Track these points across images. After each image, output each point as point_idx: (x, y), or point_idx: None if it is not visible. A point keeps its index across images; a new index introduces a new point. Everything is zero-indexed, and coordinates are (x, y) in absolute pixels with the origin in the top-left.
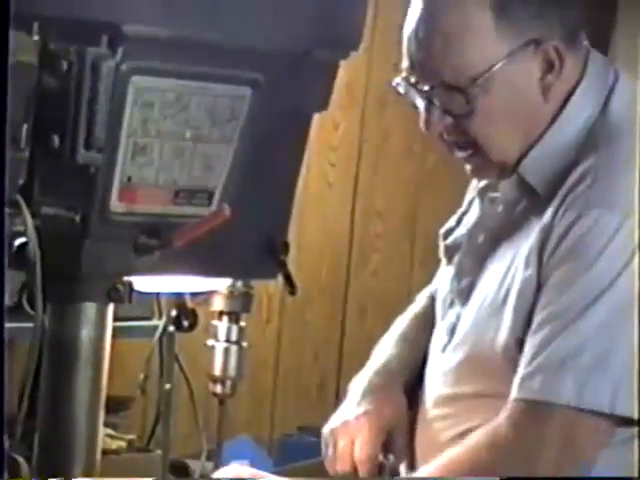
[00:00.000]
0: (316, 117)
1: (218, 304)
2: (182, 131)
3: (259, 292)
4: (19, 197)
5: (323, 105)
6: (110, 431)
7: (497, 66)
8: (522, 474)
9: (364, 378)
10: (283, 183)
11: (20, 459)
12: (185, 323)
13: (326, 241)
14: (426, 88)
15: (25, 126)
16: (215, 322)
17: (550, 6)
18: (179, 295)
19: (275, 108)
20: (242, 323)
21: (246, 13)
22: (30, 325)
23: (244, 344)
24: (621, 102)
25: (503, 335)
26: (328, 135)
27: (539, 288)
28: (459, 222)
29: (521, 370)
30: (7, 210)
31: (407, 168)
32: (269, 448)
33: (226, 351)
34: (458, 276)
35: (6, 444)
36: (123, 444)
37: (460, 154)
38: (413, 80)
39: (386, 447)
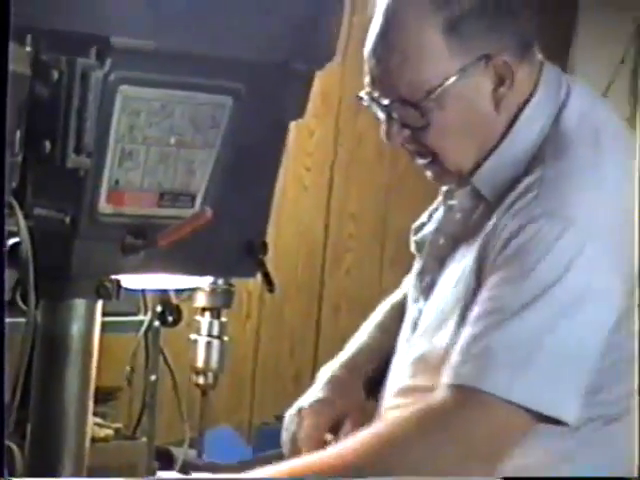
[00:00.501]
0: (293, 124)
1: (201, 301)
2: (167, 137)
3: (239, 289)
4: (12, 199)
5: (300, 113)
6: (98, 420)
7: (450, 81)
8: (441, 454)
9: (329, 369)
10: (262, 187)
11: (13, 447)
12: (169, 318)
13: (302, 241)
14: (385, 102)
15: (18, 132)
16: (198, 317)
17: (500, 22)
18: (164, 292)
19: (255, 116)
20: (223, 318)
21: (227, 26)
22: (23, 320)
23: (225, 338)
24: (573, 116)
25: (451, 334)
26: (304, 141)
27: (476, 290)
28: (430, 218)
29: (453, 358)
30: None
31: (379, 173)
32: (248, 436)
33: (208, 345)
34: (421, 274)
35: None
36: (111, 432)
37: (420, 161)
38: (375, 95)
39: (335, 432)
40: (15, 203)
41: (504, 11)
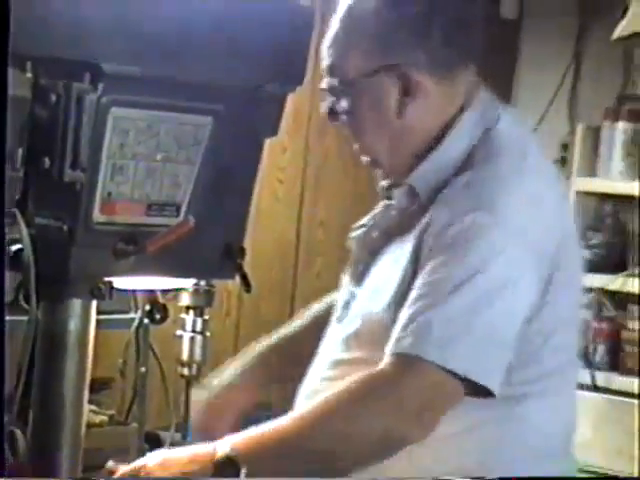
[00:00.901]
0: (267, 141)
1: (185, 300)
2: (153, 154)
3: (220, 290)
4: (16, 210)
5: (273, 131)
6: (94, 407)
7: (364, 77)
8: (382, 416)
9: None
10: (240, 197)
11: (17, 431)
12: (157, 316)
13: (276, 247)
14: (324, 86)
15: (20, 150)
16: (183, 315)
17: (413, 41)
18: (152, 292)
19: (233, 134)
20: (205, 316)
21: (207, 53)
22: (25, 318)
23: (207, 334)
24: (502, 132)
25: (384, 312)
26: (277, 157)
27: (414, 276)
28: (370, 220)
29: (394, 334)
30: (5, 220)
31: (344, 184)
32: None
33: (192, 340)
34: (356, 263)
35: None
36: (105, 418)
37: (365, 160)
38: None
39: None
40: (18, 213)
41: (418, 32)
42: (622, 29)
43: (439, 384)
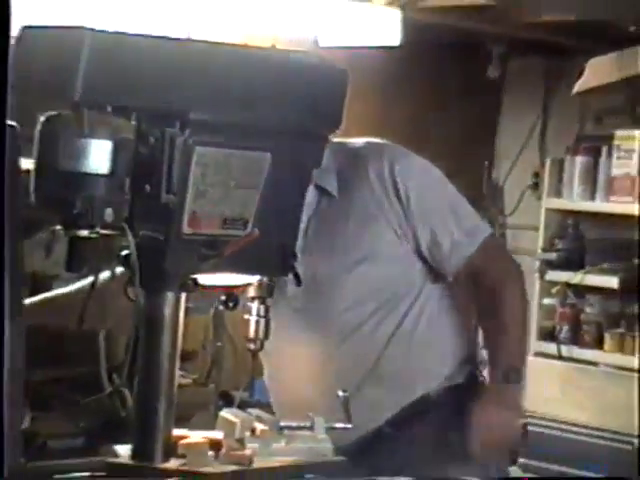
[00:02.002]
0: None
1: (252, 292)
2: (227, 181)
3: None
4: (125, 225)
5: (318, 163)
6: (182, 373)
7: None
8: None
9: None
10: (292, 214)
11: (126, 391)
12: (230, 304)
13: None
14: None
15: (127, 178)
16: (249, 304)
17: None
18: (227, 286)
19: (287, 166)
20: (268, 304)
21: (266, 104)
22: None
23: (269, 317)
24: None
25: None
26: None
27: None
28: None
29: (456, 244)
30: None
31: None
32: None
33: (257, 322)
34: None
35: (116, 381)
36: (190, 381)
37: None
38: None
39: None
40: (126, 227)
41: None
42: (579, 87)
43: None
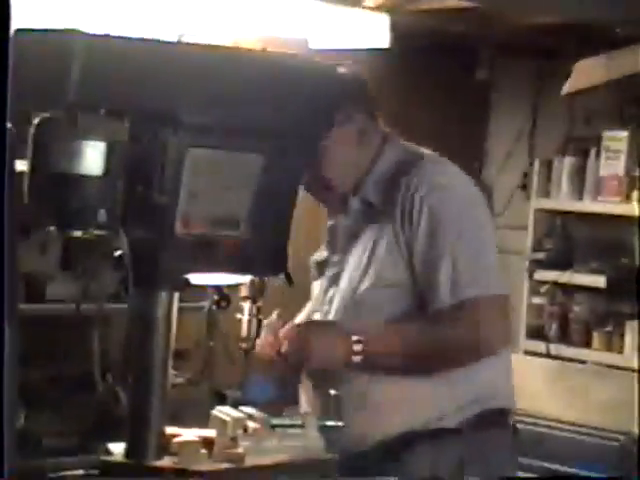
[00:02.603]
0: None
1: (244, 291)
2: (220, 182)
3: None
4: (118, 225)
5: (309, 165)
6: (175, 372)
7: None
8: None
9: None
10: (284, 215)
11: (119, 390)
12: (223, 304)
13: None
14: None
15: (121, 180)
16: (242, 303)
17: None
18: (219, 286)
19: (278, 166)
20: (259, 304)
21: (259, 108)
22: (126, 305)
23: (260, 317)
24: (415, 150)
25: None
26: None
27: (408, 248)
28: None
29: (446, 287)
30: (110, 232)
31: None
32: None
33: (249, 322)
34: (331, 266)
35: (109, 380)
36: (183, 380)
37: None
38: None
39: None
40: (120, 227)
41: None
42: (568, 88)
43: (503, 306)
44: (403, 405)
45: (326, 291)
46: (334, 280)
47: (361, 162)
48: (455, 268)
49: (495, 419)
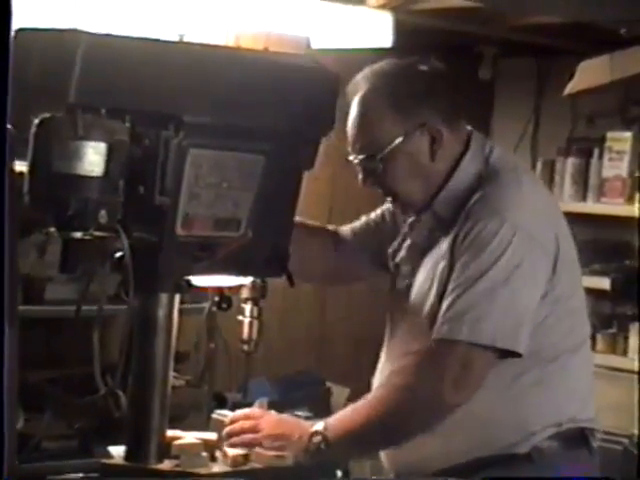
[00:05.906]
0: (305, 173)
1: (245, 293)
2: (221, 183)
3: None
4: (119, 226)
5: (311, 165)
6: (175, 374)
7: (396, 142)
8: (430, 392)
9: None
10: (285, 216)
11: (120, 392)
12: (224, 305)
13: None
14: (357, 159)
15: (121, 180)
16: (243, 305)
17: (428, 104)
18: (220, 288)
19: (279, 167)
20: (261, 305)
21: (260, 108)
22: (125, 307)
23: (261, 319)
24: (497, 160)
25: (430, 309)
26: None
27: (450, 274)
28: (399, 245)
29: (437, 322)
30: (110, 234)
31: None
32: (275, 384)
33: (250, 323)
34: (402, 276)
35: (110, 383)
36: (184, 382)
37: (388, 200)
38: (353, 155)
39: None
40: (120, 229)
41: (431, 97)
42: (571, 88)
43: (472, 356)
44: (469, 429)
45: (397, 301)
46: (407, 288)
47: (433, 177)
48: (456, 303)
49: (573, 441)
